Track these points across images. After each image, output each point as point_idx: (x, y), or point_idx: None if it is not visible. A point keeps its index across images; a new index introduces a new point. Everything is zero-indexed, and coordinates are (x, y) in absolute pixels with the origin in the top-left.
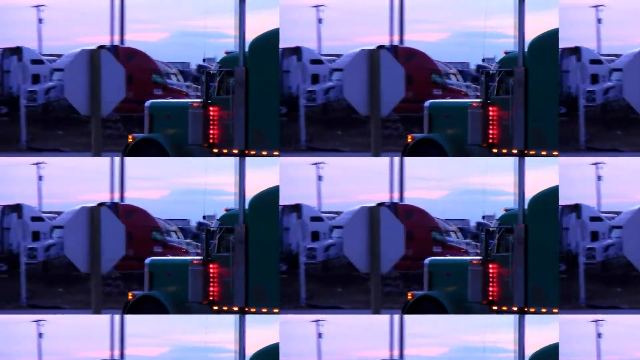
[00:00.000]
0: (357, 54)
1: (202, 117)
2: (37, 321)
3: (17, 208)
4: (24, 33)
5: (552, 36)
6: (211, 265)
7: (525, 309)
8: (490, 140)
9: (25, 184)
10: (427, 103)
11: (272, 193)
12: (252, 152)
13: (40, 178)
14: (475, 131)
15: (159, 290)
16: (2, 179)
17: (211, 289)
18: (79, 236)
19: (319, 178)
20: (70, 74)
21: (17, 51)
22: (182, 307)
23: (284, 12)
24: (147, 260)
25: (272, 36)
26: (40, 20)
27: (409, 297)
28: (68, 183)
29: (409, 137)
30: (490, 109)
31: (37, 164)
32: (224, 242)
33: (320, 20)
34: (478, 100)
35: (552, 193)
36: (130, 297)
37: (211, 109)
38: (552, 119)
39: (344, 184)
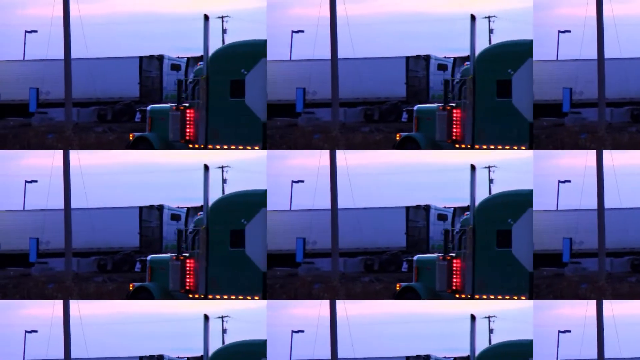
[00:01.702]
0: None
1: (180, 118)
2: None
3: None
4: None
5: (496, 48)
6: (187, 261)
7: (469, 296)
8: (454, 137)
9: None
10: (415, 107)
11: (229, 197)
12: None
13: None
14: (441, 130)
15: (154, 282)
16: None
17: (187, 280)
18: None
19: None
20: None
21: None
22: (168, 295)
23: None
24: (149, 257)
25: (230, 48)
26: (224, 31)
27: (397, 288)
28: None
29: (397, 135)
30: (454, 111)
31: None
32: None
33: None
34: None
35: (494, 199)
36: (131, 287)
37: (187, 111)
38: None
39: None
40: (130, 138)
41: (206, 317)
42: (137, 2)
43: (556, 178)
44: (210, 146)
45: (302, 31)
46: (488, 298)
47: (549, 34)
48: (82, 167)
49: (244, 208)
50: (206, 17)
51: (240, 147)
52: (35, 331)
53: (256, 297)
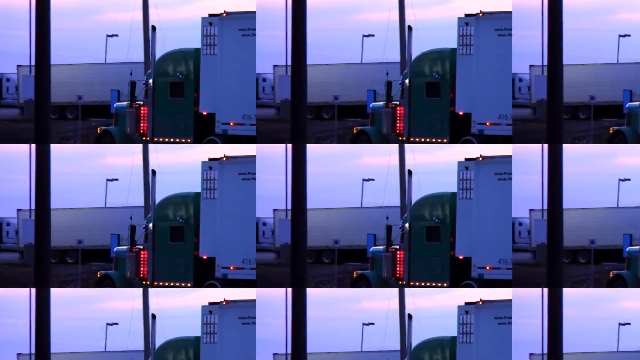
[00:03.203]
0: None
1: (134, 114)
2: None
3: None
4: None
5: (426, 54)
6: (142, 252)
7: (405, 283)
8: (398, 131)
9: None
10: (372, 104)
11: (169, 198)
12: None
13: None
14: (387, 124)
15: (117, 270)
16: None
17: (141, 269)
18: None
19: None
20: None
21: None
22: (127, 282)
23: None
24: (114, 248)
25: (168, 55)
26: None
27: (354, 275)
28: None
29: (355, 129)
30: (398, 108)
31: None
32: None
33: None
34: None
35: (423, 199)
36: (98, 275)
37: (142, 108)
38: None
39: None
40: (98, 131)
41: (153, 316)
42: (214, 7)
43: (616, 176)
44: (155, 139)
45: (372, 35)
46: (420, 285)
47: (609, 38)
48: (160, 165)
49: (181, 207)
50: (153, 28)
51: (177, 140)
52: (116, 323)
53: (189, 285)
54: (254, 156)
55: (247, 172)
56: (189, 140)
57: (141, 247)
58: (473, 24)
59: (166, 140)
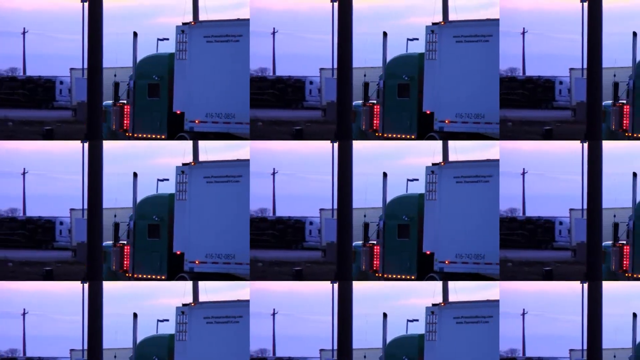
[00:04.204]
0: None
1: (118, 112)
2: None
3: None
4: None
5: (398, 58)
6: (125, 247)
7: (380, 275)
8: (375, 127)
9: None
10: (354, 103)
11: (147, 199)
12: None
13: None
14: (365, 122)
15: (105, 264)
16: None
17: (124, 262)
18: None
19: None
20: None
21: None
22: (113, 274)
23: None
24: (104, 243)
25: (148, 59)
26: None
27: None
28: None
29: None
30: (375, 107)
31: None
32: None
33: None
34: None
35: (395, 200)
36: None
37: (125, 107)
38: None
39: None
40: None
41: (135, 315)
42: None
43: None
44: (137, 134)
45: (417, 39)
46: (392, 278)
47: None
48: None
49: (157, 207)
50: (135, 34)
51: (154, 136)
52: (167, 320)
53: (163, 277)
54: (222, 161)
55: (211, 175)
56: (163, 137)
57: (124, 242)
58: (437, 31)
59: (144, 136)
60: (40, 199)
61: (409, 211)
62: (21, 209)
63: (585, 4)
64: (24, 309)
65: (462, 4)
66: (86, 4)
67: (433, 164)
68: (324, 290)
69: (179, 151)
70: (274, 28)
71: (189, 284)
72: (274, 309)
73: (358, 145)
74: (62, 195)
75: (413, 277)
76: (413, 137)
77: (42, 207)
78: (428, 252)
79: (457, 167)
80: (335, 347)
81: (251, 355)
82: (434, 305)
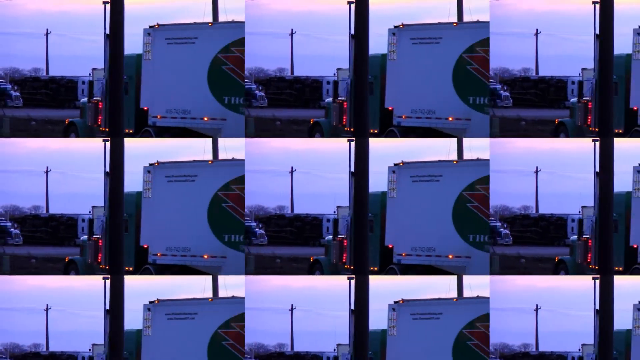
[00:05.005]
0: None
1: (93, 109)
2: None
3: None
4: None
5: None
6: (99, 241)
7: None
8: (344, 122)
9: None
10: (325, 99)
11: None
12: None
13: None
14: (335, 117)
15: (82, 256)
16: None
17: (99, 255)
18: None
19: None
20: None
21: None
22: (89, 267)
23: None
24: (81, 237)
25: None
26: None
27: (311, 260)
28: None
29: (311, 120)
30: (344, 104)
31: None
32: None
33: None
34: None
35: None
36: (66, 260)
37: (99, 104)
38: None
39: None
40: (66, 122)
41: (107, 312)
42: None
43: None
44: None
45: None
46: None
47: None
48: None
49: (127, 204)
50: (108, 37)
51: (130, 131)
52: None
53: (130, 269)
54: (181, 162)
55: (172, 175)
56: (131, 131)
57: (99, 236)
58: (397, 33)
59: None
60: (62, 197)
61: (373, 208)
62: (44, 207)
63: (597, 6)
64: (47, 305)
65: (476, 6)
66: (107, 6)
67: (395, 164)
68: (340, 285)
69: (199, 149)
70: (292, 29)
71: (208, 279)
72: (292, 305)
73: (374, 144)
74: (85, 193)
75: (376, 269)
76: (376, 131)
77: (64, 204)
78: (390, 246)
79: (413, 168)
80: (352, 341)
81: (269, 350)
82: (395, 302)
